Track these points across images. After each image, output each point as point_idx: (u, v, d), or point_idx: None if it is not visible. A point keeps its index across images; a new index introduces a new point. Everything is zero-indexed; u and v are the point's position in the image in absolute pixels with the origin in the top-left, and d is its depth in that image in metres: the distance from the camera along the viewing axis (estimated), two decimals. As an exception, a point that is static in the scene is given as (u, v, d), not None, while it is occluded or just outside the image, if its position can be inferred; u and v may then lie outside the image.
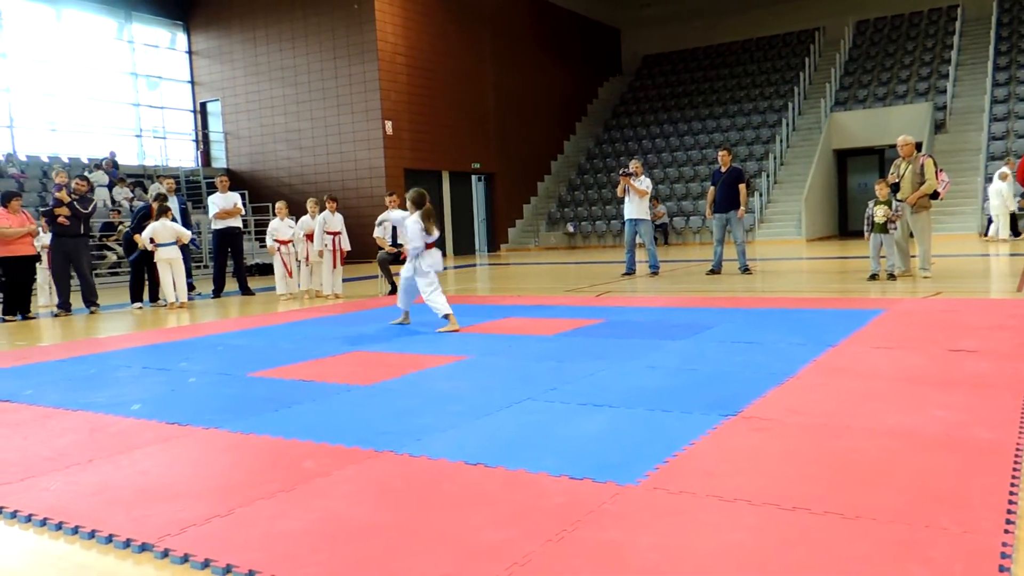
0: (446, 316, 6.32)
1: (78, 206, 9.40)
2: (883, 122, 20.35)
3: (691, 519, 2.22)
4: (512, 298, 8.88)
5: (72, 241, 9.44)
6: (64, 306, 9.50)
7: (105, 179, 17.18)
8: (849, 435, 2.94)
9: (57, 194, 9.41)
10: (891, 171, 9.08)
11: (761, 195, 19.98)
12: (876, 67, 23.19)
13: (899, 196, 8.79)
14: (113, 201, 16.71)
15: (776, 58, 25.64)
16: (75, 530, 2.35)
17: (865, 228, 8.87)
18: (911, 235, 8.96)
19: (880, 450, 2.74)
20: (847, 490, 2.37)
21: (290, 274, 10.52)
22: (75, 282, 9.78)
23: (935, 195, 8.74)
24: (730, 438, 2.99)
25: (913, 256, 8.98)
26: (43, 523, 2.43)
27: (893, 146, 9.49)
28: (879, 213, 8.64)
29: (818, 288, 8.85)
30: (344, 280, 10.91)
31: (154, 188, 11.84)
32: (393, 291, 10.06)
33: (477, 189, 22.38)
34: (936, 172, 8.65)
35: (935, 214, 10.11)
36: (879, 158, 21.86)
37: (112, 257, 15.73)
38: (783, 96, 23.59)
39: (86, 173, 16.11)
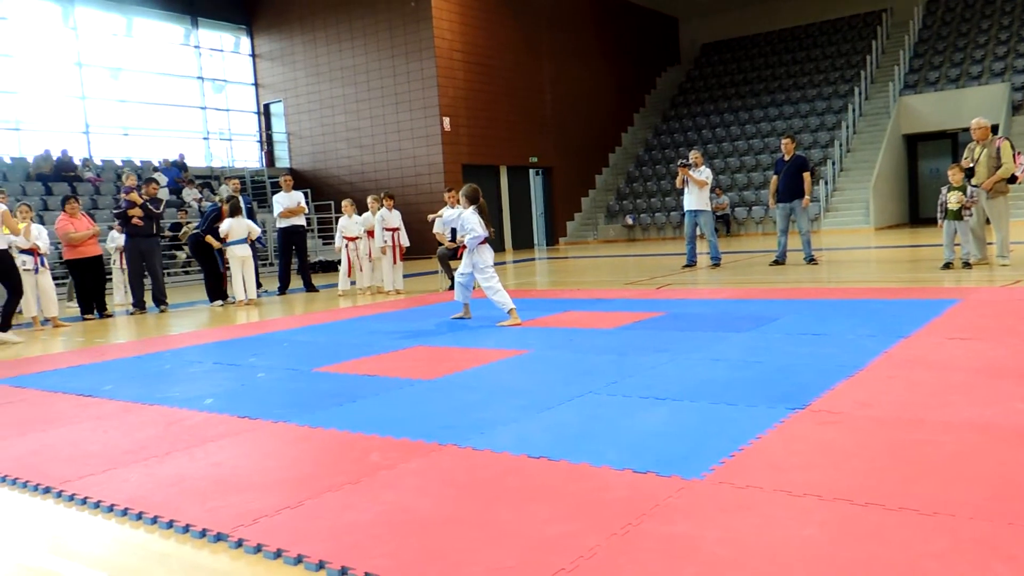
0: (509, 311, 6.36)
1: (151, 207, 9.75)
2: (956, 105, 19.58)
3: (759, 514, 2.18)
4: (572, 292, 8.86)
5: (145, 241, 9.80)
6: (139, 304, 9.86)
7: (163, 180, 17.73)
8: (924, 428, 2.84)
9: (128, 196, 9.77)
10: (965, 155, 8.75)
11: (826, 183, 19.47)
12: (948, 47, 22.32)
13: (974, 181, 8.46)
14: (183, 202, 17.24)
15: (841, 42, 24.91)
16: (154, 520, 2.44)
17: (938, 215, 8.57)
18: (987, 221, 8.62)
19: (957, 444, 2.65)
20: (923, 485, 2.30)
21: (350, 272, 10.74)
22: (146, 281, 10.16)
23: (1012, 179, 8.39)
24: (798, 432, 2.92)
25: (990, 243, 8.64)
26: (124, 513, 2.53)
27: (967, 129, 9.13)
28: (953, 199, 8.33)
29: (888, 278, 8.58)
30: (405, 276, 11.04)
31: (223, 189, 12.20)
32: (453, 286, 10.15)
33: (535, 183, 22.36)
34: (1013, 155, 8.30)
35: (1013, 199, 9.67)
36: (952, 142, 21.05)
37: (182, 256, 16.24)
38: (849, 81, 22.91)
39: (129, 171, 16.67)
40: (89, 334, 7.99)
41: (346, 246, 10.75)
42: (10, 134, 17.49)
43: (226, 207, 10.07)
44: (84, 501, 2.67)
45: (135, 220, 9.64)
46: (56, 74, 18.18)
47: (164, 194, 17.13)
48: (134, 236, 9.76)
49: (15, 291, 7.77)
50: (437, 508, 2.38)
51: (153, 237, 9.97)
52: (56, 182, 16.44)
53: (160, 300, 9.90)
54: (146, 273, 10.00)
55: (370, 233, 10.59)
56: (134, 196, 9.70)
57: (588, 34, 23.84)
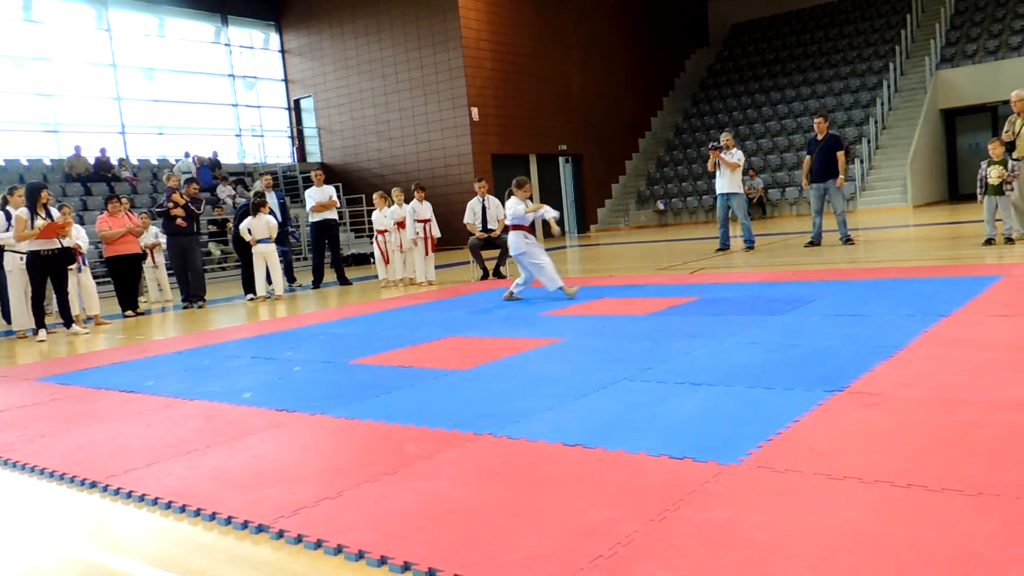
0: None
1: (192, 206, 10.00)
2: (995, 77, 19.10)
3: (799, 498, 2.15)
4: (604, 279, 8.82)
5: (186, 239, 10.08)
6: (187, 298, 10.13)
7: (185, 165, 17.97)
8: (967, 409, 2.79)
9: (172, 196, 10.03)
10: (1005, 128, 8.54)
11: (862, 162, 19.12)
12: (986, 18, 21.73)
13: (1015, 155, 8.26)
14: (217, 199, 17.48)
15: (874, 17, 24.38)
16: (197, 512, 2.49)
17: (978, 190, 8.38)
18: (1030, 196, 8.41)
19: (1002, 424, 2.59)
20: (967, 466, 2.25)
21: (386, 261, 10.86)
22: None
23: (1056, 152, 8.17)
24: (837, 415, 2.88)
25: (1033, 218, 8.42)
26: (168, 506, 2.58)
27: (1006, 102, 8.90)
28: (993, 174, 8.14)
29: (927, 256, 8.41)
30: (437, 267, 11.08)
31: (257, 185, 12.42)
32: (485, 276, 10.18)
33: (565, 171, 22.26)
34: (1057, 127, 8.08)
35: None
36: (991, 116, 20.54)
37: (217, 253, 16.48)
38: (883, 56, 22.42)
39: (171, 172, 16.90)
40: (129, 331, 8.14)
41: (375, 238, 10.89)
42: (48, 136, 17.86)
43: (253, 202, 10.28)
44: (129, 495, 2.73)
45: (178, 221, 9.89)
46: (91, 76, 18.51)
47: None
48: (176, 234, 10.02)
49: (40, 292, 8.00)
50: (474, 497, 2.39)
51: (194, 235, 10.25)
52: (94, 182, 16.76)
53: (198, 296, 10.12)
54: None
55: (400, 224, 10.65)
56: (176, 197, 9.94)
57: (614, 18, 23.62)
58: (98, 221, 9.84)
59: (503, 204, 9.32)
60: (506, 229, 7.34)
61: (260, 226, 10.01)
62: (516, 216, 7.32)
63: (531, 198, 7.52)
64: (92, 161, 17.29)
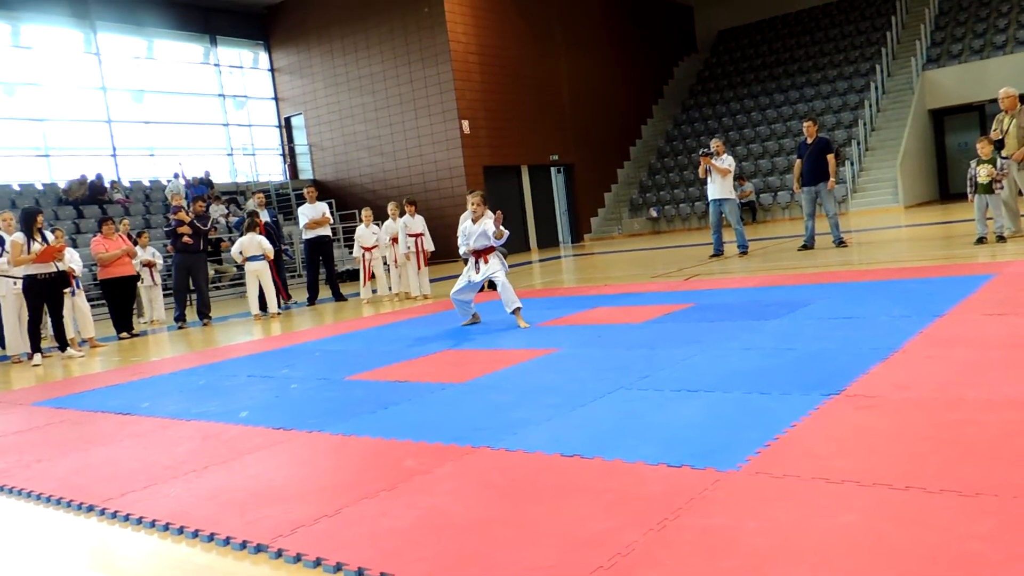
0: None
1: (198, 224, 10.03)
2: (981, 76, 19.22)
3: (798, 503, 2.15)
4: (599, 288, 8.83)
5: (192, 257, 10.12)
6: (181, 318, 10.09)
7: (177, 187, 18.00)
8: (964, 408, 2.79)
9: (175, 215, 10.06)
10: (993, 127, 8.60)
11: (852, 164, 19.20)
12: (970, 18, 21.90)
13: (1004, 153, 8.30)
14: (209, 218, 17.44)
15: (860, 19, 24.54)
16: (195, 533, 2.47)
17: (968, 190, 8.42)
18: (1020, 193, 8.45)
19: (999, 423, 2.59)
20: (964, 466, 2.25)
21: (367, 279, 10.83)
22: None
23: (1044, 149, 8.22)
24: (834, 418, 2.89)
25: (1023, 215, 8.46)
26: (166, 528, 2.57)
27: (993, 101, 8.97)
28: (983, 173, 8.18)
29: (920, 256, 8.44)
30: (431, 280, 11.08)
31: (250, 204, 12.46)
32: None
33: (557, 181, 22.30)
34: (1044, 124, 8.13)
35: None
36: (979, 115, 20.66)
37: (211, 272, 16.45)
38: (869, 59, 22.56)
39: (175, 192, 16.91)
40: (124, 353, 8.12)
41: (363, 255, 10.87)
42: (40, 160, 17.85)
43: (247, 221, 10.29)
44: (127, 518, 2.71)
45: (185, 239, 9.91)
46: (82, 99, 18.52)
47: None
48: (182, 252, 10.04)
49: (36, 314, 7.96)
50: (473, 511, 2.38)
51: (200, 253, 10.27)
52: (87, 205, 16.74)
53: (203, 314, 10.15)
54: (191, 288, 10.29)
55: (394, 240, 10.65)
56: (182, 215, 9.98)
57: (602, 29, 23.73)
58: (93, 244, 9.82)
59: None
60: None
61: (251, 245, 10.00)
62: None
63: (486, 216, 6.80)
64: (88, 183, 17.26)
